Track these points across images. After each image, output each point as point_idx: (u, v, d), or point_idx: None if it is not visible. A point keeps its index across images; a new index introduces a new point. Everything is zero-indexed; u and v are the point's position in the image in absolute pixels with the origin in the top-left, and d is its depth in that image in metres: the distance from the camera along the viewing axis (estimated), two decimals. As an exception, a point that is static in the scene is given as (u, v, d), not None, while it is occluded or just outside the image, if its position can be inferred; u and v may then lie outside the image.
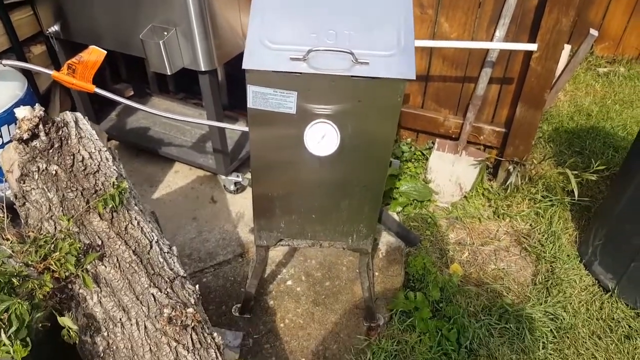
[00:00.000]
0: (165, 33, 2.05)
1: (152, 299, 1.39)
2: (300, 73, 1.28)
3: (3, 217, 1.44)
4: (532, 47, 2.28)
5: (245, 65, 1.27)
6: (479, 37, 2.61)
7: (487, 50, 2.52)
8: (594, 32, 2.73)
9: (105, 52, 1.76)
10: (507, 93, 2.70)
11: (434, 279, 2.17)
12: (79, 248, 1.35)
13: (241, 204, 2.60)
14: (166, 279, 1.44)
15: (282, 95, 1.33)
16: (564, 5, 2.25)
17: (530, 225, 2.64)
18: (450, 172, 2.87)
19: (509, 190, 2.72)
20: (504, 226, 2.68)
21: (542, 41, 2.34)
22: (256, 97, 1.33)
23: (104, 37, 2.29)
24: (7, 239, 1.51)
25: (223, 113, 2.49)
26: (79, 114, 1.61)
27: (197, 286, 1.50)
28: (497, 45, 2.34)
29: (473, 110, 2.69)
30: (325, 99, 1.34)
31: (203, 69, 2.14)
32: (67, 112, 1.58)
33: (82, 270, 1.36)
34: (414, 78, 1.26)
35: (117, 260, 1.41)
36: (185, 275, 1.50)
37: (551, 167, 2.94)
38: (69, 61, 1.71)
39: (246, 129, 2.17)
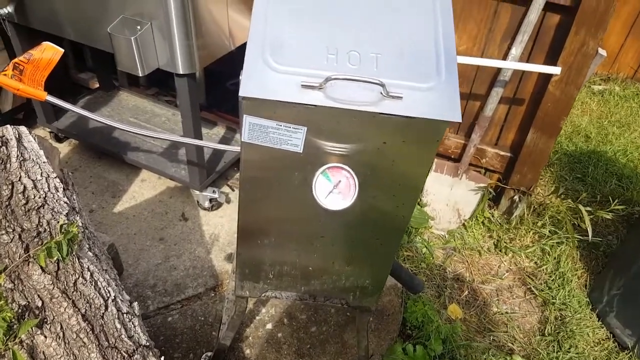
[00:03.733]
0: (139, 27, 1.70)
1: (105, 381, 1.08)
2: (315, 106, 0.98)
3: None
4: (555, 70, 2.04)
5: (244, 91, 0.96)
6: (489, 52, 2.36)
7: (501, 68, 2.28)
8: (602, 52, 2.52)
9: (62, 50, 1.42)
10: (515, 115, 2.47)
11: (435, 328, 1.93)
12: (12, 316, 1.02)
13: (216, 224, 2.29)
14: (124, 352, 1.13)
15: (288, 130, 1.03)
16: (592, 26, 2.02)
17: (536, 263, 2.43)
18: (447, 196, 2.63)
19: (514, 223, 2.49)
20: (507, 262, 2.46)
21: (565, 64, 2.11)
22: (254, 130, 1.03)
23: (65, 25, 1.91)
24: None
25: (200, 117, 2.16)
26: (23, 129, 1.27)
27: (162, 359, 1.20)
28: (518, 65, 2.09)
29: (479, 132, 2.45)
30: (342, 137, 1.04)
31: (181, 72, 1.81)
32: (8, 126, 1.24)
33: (15, 343, 1.04)
34: (460, 120, 0.99)
35: (62, 328, 1.09)
36: (148, 344, 1.19)
37: (557, 198, 2.74)
38: (15, 60, 1.36)
39: (232, 148, 1.87)
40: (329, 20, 1.06)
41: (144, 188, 2.43)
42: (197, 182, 2.21)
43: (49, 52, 1.38)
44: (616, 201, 2.49)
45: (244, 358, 1.77)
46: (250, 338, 1.83)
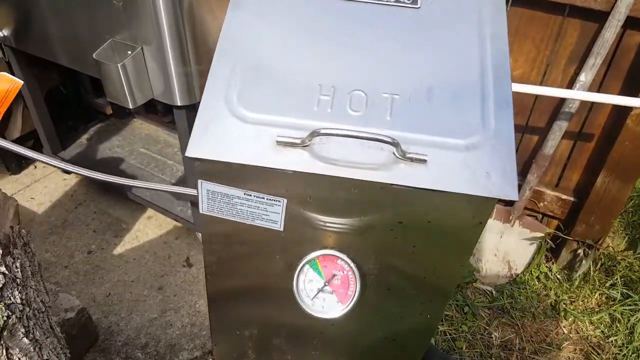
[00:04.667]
0: (129, 52, 1.47)
1: None
2: (295, 172, 0.67)
3: None
4: (638, 102, 1.64)
5: (194, 150, 0.67)
6: (551, 79, 1.98)
7: (565, 98, 1.90)
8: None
9: (22, 82, 1.18)
10: (582, 152, 2.06)
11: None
12: None
13: (225, 272, 2.01)
14: None
15: (261, 202, 0.73)
16: (686, 46, 1.62)
17: (602, 332, 1.99)
18: (496, 245, 2.24)
19: (577, 282, 2.07)
20: (566, 328, 2.03)
21: (650, 93, 1.72)
22: (214, 199, 0.74)
23: (57, 50, 1.72)
24: None
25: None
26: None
27: None
28: (591, 96, 1.70)
29: (537, 172, 2.06)
30: (337, 212, 0.73)
31: (179, 104, 1.56)
32: None
33: None
34: (517, 198, 0.65)
35: None
36: None
37: (628, 251, 2.28)
38: (-40, 92, 1.14)
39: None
40: (326, 47, 0.76)
41: (149, 227, 2.19)
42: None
43: (5, 85, 1.16)
44: None
45: None
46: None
